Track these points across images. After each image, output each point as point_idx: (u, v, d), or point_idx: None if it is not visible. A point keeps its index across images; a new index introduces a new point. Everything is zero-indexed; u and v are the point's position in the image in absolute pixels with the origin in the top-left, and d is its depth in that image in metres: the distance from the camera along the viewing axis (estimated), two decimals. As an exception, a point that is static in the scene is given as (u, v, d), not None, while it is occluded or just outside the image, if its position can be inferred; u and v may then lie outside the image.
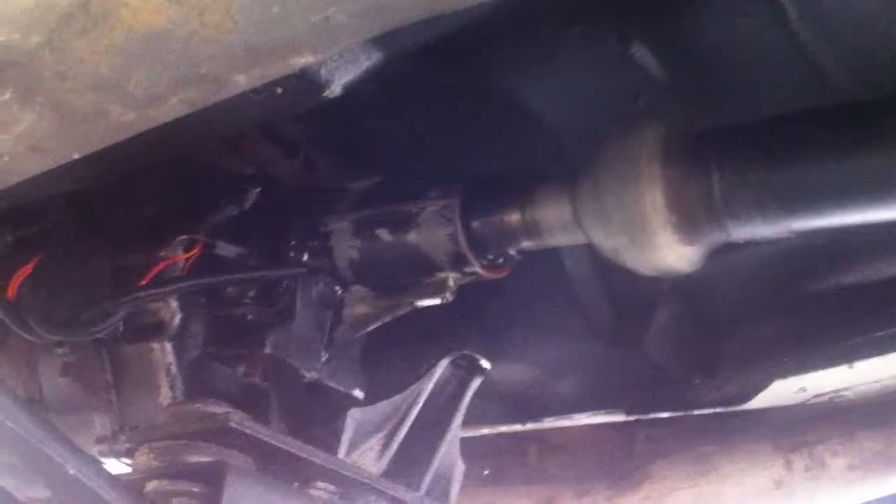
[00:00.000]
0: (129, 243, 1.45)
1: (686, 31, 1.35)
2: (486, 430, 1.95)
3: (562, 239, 1.37)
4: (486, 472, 2.13)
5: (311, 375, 1.44)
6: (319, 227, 1.45)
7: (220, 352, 1.43)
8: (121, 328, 1.42)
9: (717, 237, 1.25)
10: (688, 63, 1.38)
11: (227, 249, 1.40)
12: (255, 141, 1.51)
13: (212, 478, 1.09)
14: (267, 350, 1.39)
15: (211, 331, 1.43)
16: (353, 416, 1.31)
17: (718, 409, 1.76)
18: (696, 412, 1.78)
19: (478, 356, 1.44)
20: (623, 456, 1.97)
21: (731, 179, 1.19)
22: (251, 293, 1.43)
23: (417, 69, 1.36)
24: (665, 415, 1.79)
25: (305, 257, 1.44)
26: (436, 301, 1.39)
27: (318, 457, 1.19)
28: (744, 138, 1.21)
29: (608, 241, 1.28)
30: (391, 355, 1.46)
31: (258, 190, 1.41)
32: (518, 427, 1.92)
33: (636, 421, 1.83)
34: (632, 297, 1.73)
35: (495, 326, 1.80)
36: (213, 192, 1.43)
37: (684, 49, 1.37)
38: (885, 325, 1.62)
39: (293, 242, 1.44)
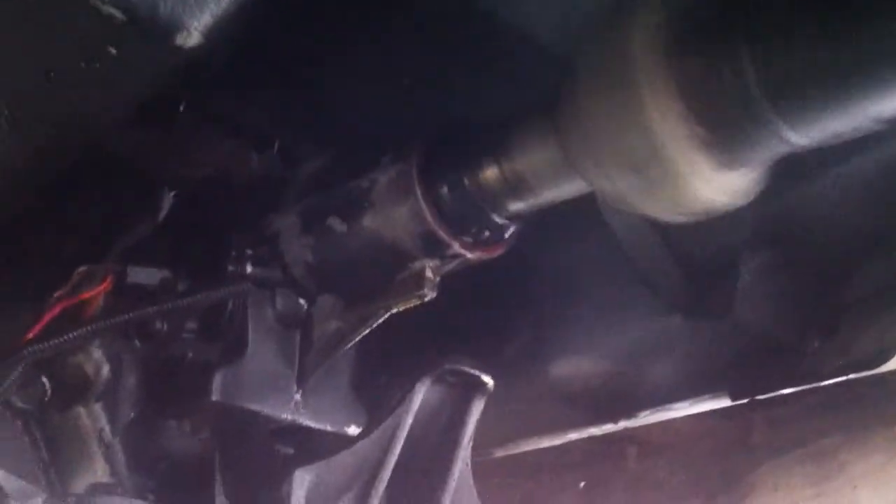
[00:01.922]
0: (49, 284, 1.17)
1: None
2: (573, 436, 1.61)
3: (559, 191, 1.00)
4: (581, 484, 1.78)
5: (282, 418, 1.13)
6: (264, 228, 1.14)
7: (163, 406, 1.14)
8: (48, 393, 1.15)
9: (768, 148, 0.87)
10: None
11: (142, 275, 1.10)
12: (208, 138, 1.21)
13: None
14: (214, 396, 1.09)
15: (149, 381, 1.14)
16: (304, 477, 0.99)
17: (850, 377, 1.36)
18: (820, 384, 1.39)
19: (473, 371, 1.09)
20: (741, 448, 1.58)
21: (770, 56, 0.79)
22: (190, 326, 1.13)
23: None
24: (783, 391, 1.41)
25: (249, 269, 1.12)
26: (412, 301, 1.05)
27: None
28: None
29: (611, 182, 0.91)
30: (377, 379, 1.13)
31: (173, 194, 1.10)
32: (610, 427, 1.57)
33: (751, 404, 1.45)
34: (704, 252, 1.35)
35: (547, 316, 1.46)
36: (124, 207, 1.13)
37: None
38: None
39: (233, 253, 1.13)
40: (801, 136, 0.83)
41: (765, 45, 0.80)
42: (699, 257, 1.34)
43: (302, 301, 1.14)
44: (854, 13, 0.77)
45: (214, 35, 0.89)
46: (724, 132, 0.84)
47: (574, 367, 1.49)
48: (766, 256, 1.31)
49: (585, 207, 1.21)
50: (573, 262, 1.39)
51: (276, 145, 1.28)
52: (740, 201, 0.91)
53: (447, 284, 1.12)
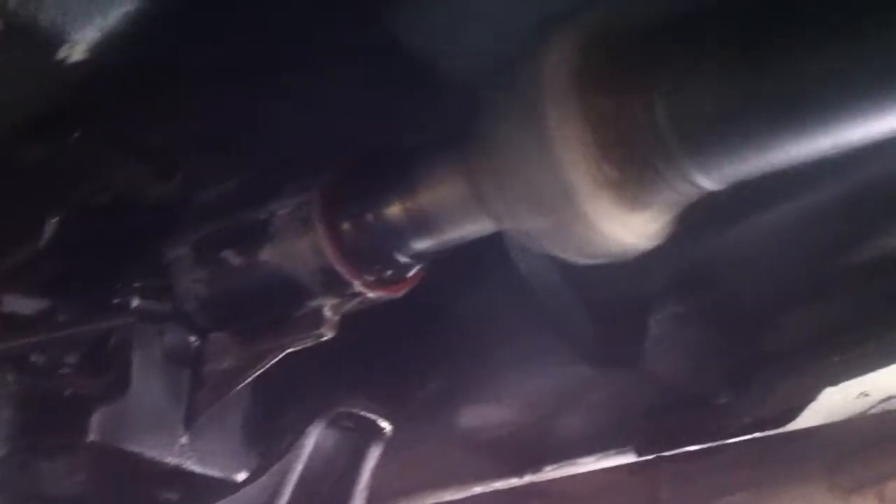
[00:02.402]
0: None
1: None
2: (478, 489, 1.56)
3: (465, 230, 0.96)
4: (483, 538, 1.71)
5: (166, 462, 1.06)
6: (155, 258, 1.08)
7: (37, 445, 1.06)
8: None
9: (678, 190, 0.84)
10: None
11: (19, 304, 1.03)
12: (106, 161, 1.15)
13: None
14: (91, 436, 1.02)
15: (22, 418, 1.06)
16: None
17: (756, 435, 1.34)
18: (727, 441, 1.37)
19: (370, 415, 1.04)
20: (647, 504, 1.55)
21: (680, 94, 0.77)
22: (70, 360, 1.06)
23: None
24: (688, 449, 1.38)
25: (136, 301, 1.06)
26: (309, 341, 1.00)
27: None
28: (691, 26, 0.78)
29: (519, 222, 0.88)
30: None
31: (58, 218, 1.04)
32: (515, 481, 1.53)
33: (657, 459, 1.42)
34: (615, 300, 1.33)
35: (456, 363, 1.41)
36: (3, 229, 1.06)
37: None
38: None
39: (119, 284, 1.07)
40: (710, 179, 0.81)
41: (675, 83, 0.78)
42: (610, 305, 1.32)
43: (193, 337, 1.08)
44: (762, 55, 0.75)
45: (102, 51, 0.84)
46: (634, 172, 0.81)
47: (482, 416, 1.45)
48: (678, 306, 1.29)
49: (496, 253, 1.18)
50: (483, 308, 1.35)
51: (180, 173, 1.23)
52: (651, 244, 0.88)
53: (354, 324, 1.08)
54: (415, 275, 1.02)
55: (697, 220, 0.95)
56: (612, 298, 1.29)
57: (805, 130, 0.75)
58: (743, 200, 1.07)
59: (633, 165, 0.81)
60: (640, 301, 1.28)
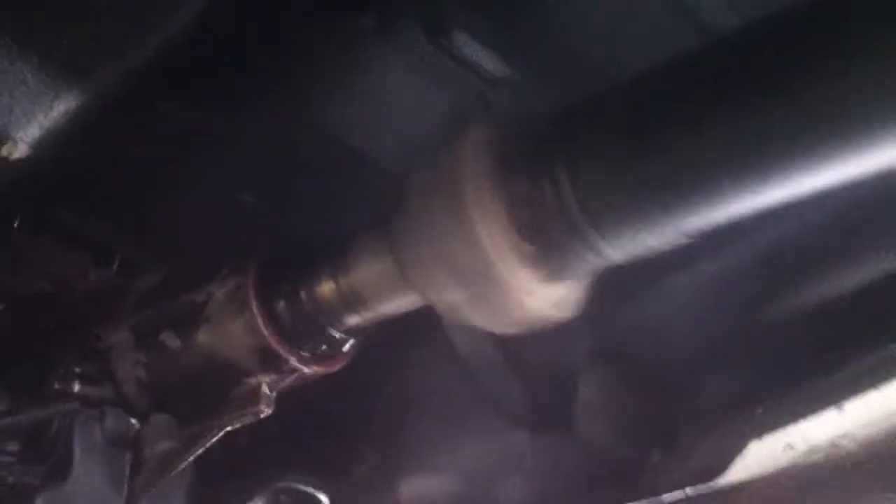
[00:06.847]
0: None
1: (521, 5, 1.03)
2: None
3: (394, 304, 1.00)
4: None
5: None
6: (94, 343, 1.10)
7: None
8: None
9: (589, 263, 0.90)
10: (533, 46, 1.05)
11: (-46, 396, 1.04)
12: (44, 252, 1.17)
13: None
14: (34, 524, 1.03)
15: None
16: None
17: (687, 491, 1.38)
18: (661, 498, 1.41)
19: (308, 488, 1.06)
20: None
21: (584, 177, 0.83)
22: (11, 448, 1.07)
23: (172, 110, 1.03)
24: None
25: (76, 387, 1.08)
26: (248, 419, 1.03)
27: None
28: (591, 116, 0.84)
29: (443, 295, 0.92)
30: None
31: (-3, 308, 1.06)
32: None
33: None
34: (546, 367, 1.37)
35: (394, 436, 1.44)
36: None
37: (526, 28, 1.05)
38: (873, 347, 1.25)
39: (60, 370, 1.09)
40: (616, 250, 0.87)
41: (579, 162, 0.83)
42: (541, 372, 1.36)
43: (133, 420, 1.11)
44: (651, 137, 0.81)
45: (44, 147, 0.88)
46: (547, 246, 0.87)
47: (421, 488, 1.46)
48: (604, 371, 1.34)
49: (428, 326, 1.22)
50: (417, 380, 1.38)
51: (117, 260, 1.26)
52: (568, 313, 0.93)
53: (294, 401, 1.10)
54: (350, 349, 1.06)
55: (616, 283, 1.00)
56: (543, 365, 1.34)
57: (695, 205, 0.82)
58: (658, 263, 1.13)
59: (546, 241, 0.86)
60: (570, 367, 1.32)
